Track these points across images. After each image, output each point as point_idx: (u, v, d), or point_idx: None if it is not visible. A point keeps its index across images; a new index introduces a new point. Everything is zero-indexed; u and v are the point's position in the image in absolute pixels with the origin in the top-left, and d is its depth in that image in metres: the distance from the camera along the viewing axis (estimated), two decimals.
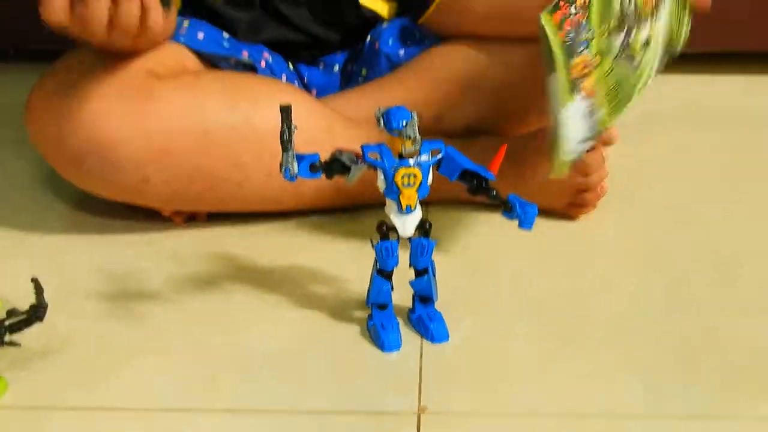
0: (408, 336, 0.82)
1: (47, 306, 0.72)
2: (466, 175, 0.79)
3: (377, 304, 0.81)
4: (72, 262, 0.95)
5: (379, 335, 0.80)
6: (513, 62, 1.06)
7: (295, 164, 0.75)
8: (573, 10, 0.79)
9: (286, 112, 0.76)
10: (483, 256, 0.96)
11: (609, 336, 0.83)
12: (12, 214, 1.05)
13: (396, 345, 0.80)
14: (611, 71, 0.85)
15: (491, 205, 0.80)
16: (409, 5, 1.11)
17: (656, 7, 0.91)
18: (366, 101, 1.04)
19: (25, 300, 0.72)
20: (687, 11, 0.97)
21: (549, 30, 0.77)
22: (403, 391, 0.75)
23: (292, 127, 0.76)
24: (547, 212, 0.91)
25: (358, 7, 1.12)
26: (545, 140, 0.93)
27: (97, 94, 0.92)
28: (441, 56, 1.09)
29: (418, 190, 0.77)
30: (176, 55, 0.99)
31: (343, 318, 0.85)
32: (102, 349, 0.81)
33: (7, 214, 1.05)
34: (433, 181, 0.78)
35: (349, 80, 1.14)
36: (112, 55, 0.94)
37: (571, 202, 1.01)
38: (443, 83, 1.07)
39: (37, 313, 0.72)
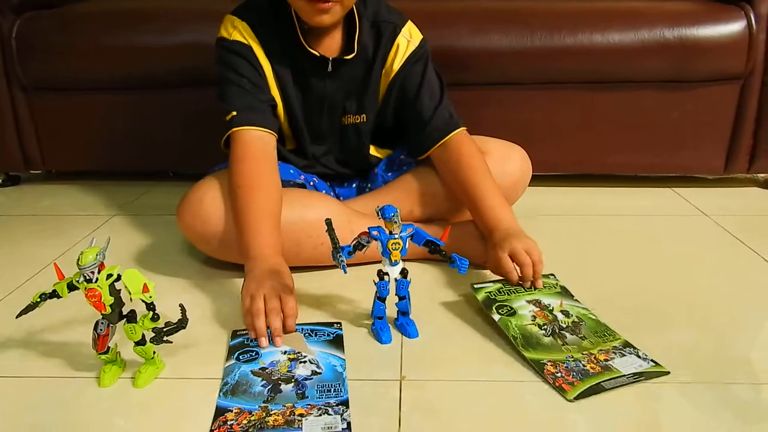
0: (394, 335, 0.83)
1: (188, 320, 0.73)
2: (427, 243, 0.83)
3: (377, 316, 0.84)
4: (202, 295, 0.95)
5: (379, 335, 0.83)
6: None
7: (344, 259, 0.78)
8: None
9: (329, 224, 0.79)
10: (437, 289, 0.96)
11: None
12: (165, 268, 1.05)
13: (388, 341, 0.82)
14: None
15: (442, 259, 0.83)
16: (409, 154, 1.11)
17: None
18: (370, 202, 1.05)
19: (174, 316, 0.73)
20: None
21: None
22: (391, 367, 0.76)
23: (335, 235, 0.78)
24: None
25: (367, 156, 1.13)
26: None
27: (221, 210, 0.93)
28: (412, 177, 1.08)
29: (400, 252, 0.80)
30: None
31: (359, 324, 0.86)
32: (217, 345, 0.81)
33: (162, 269, 1.04)
34: (408, 246, 0.81)
35: (360, 192, 1.16)
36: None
37: (484, 260, 0.98)
38: (413, 193, 1.07)
39: (182, 324, 0.73)
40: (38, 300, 0.72)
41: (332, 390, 0.71)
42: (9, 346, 0.81)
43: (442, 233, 0.83)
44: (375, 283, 0.82)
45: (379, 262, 0.82)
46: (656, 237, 1.17)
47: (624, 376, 0.73)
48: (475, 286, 0.90)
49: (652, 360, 0.76)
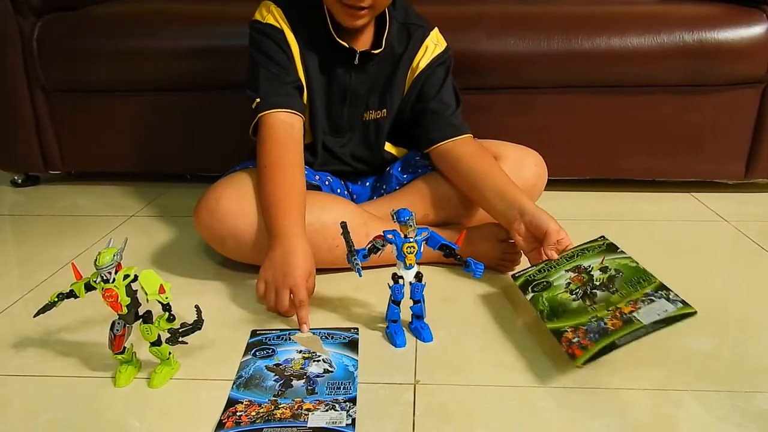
0: (408, 339, 0.83)
1: (204, 321, 0.73)
2: (442, 247, 0.83)
3: (391, 320, 0.84)
4: (218, 296, 0.96)
5: (393, 338, 0.83)
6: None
7: (359, 262, 0.79)
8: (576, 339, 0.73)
9: (344, 227, 0.80)
10: (452, 292, 0.96)
11: (531, 324, 0.84)
12: (181, 269, 1.05)
13: (403, 344, 0.82)
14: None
15: (457, 263, 0.83)
16: (415, 147, 1.13)
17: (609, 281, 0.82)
18: (386, 206, 1.05)
19: (190, 317, 0.74)
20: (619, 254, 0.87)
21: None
22: (406, 371, 0.76)
23: (350, 238, 0.79)
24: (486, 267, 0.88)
25: (382, 151, 1.14)
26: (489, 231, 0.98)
27: (237, 209, 0.94)
28: (428, 181, 1.09)
29: (415, 256, 0.80)
30: None
31: (373, 327, 0.86)
32: (232, 347, 0.81)
33: (179, 270, 1.04)
34: (423, 250, 0.81)
35: (374, 191, 1.17)
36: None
37: (499, 264, 1.01)
38: (428, 197, 1.08)
39: (198, 325, 0.73)
40: (56, 299, 0.73)
41: (341, 388, 0.72)
42: (26, 345, 0.82)
43: (457, 237, 0.83)
44: (390, 287, 0.82)
45: (394, 265, 0.82)
46: (676, 242, 1.16)
47: (644, 326, 0.72)
48: (515, 275, 0.91)
49: (681, 302, 0.74)
